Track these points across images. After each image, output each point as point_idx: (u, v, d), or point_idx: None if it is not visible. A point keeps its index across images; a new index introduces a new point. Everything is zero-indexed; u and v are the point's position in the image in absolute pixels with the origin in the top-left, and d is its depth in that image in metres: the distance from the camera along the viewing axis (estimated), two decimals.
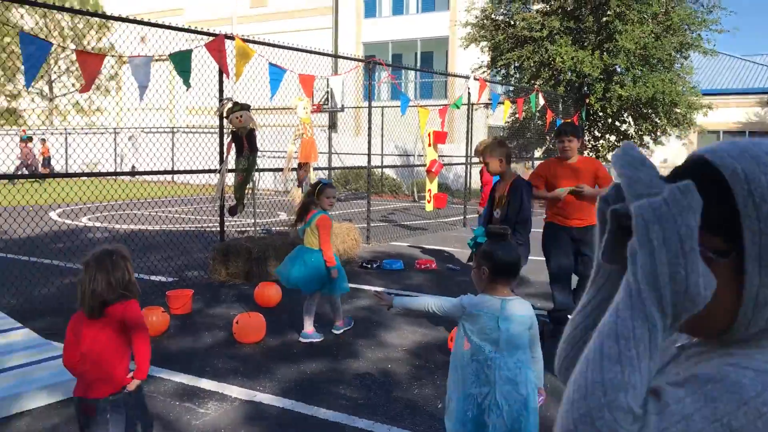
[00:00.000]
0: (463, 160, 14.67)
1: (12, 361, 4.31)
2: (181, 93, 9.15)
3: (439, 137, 10.69)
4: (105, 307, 2.86)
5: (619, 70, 17.50)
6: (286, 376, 4.72)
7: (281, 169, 9.38)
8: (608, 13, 16.97)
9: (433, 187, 10.79)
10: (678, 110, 17.77)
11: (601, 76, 17.01)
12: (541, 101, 14.41)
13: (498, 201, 5.21)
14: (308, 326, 5.61)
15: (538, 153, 18.35)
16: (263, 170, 9.23)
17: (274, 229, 10.86)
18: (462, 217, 13.59)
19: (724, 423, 0.75)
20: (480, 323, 2.82)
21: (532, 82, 17.26)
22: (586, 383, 0.76)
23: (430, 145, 10.67)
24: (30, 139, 25.44)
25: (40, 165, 25.60)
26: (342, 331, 5.82)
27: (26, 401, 4.01)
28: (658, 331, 0.77)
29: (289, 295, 6.96)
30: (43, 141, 25.85)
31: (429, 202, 10.82)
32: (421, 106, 11.18)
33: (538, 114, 15.86)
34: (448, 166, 16.81)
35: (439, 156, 10.95)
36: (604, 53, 16.84)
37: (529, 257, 5.18)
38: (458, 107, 12.07)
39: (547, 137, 17.86)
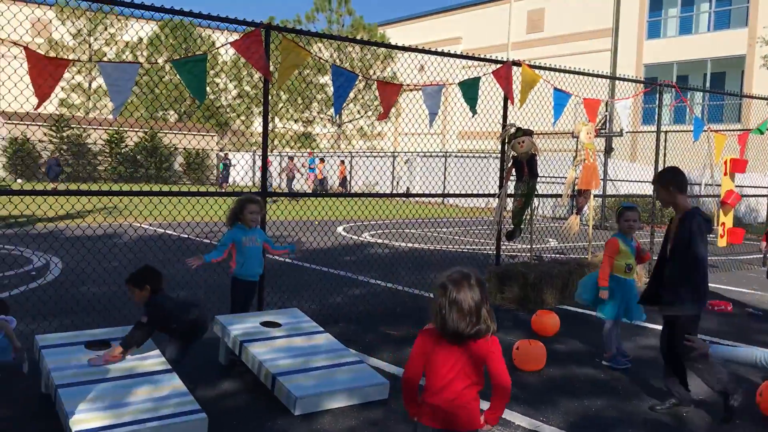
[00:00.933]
0: (762, 191, 13.11)
1: (317, 362, 4.73)
2: (454, 118, 9.45)
3: (738, 165, 9.64)
4: (465, 336, 2.63)
5: None
6: (570, 409, 4.55)
7: (560, 195, 9.19)
8: None
9: (727, 220, 9.75)
10: None
11: None
12: None
13: (668, 237, 4.62)
14: (607, 350, 5.62)
15: None
16: (542, 196, 9.12)
17: (546, 256, 10.65)
18: (762, 256, 12.06)
19: None
20: None
21: None
22: None
23: (726, 174, 9.67)
24: (322, 160, 28.33)
25: (337, 184, 28.40)
26: (609, 365, 5.57)
27: (328, 401, 4.36)
28: None
29: (567, 325, 6.75)
30: (342, 162, 28.58)
31: (722, 236, 9.79)
32: (715, 131, 10.22)
33: None
34: (745, 197, 15.13)
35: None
36: None
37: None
38: (762, 132, 10.80)
39: None
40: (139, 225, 14.00)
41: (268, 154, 6.34)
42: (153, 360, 4.40)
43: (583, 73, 8.69)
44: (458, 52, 7.94)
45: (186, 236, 11.84)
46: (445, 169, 26.00)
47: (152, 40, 39.24)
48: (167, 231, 13.82)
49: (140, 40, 39.35)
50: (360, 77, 7.10)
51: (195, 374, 4.79)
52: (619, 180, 18.84)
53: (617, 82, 9.66)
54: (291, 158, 27.35)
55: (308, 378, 4.49)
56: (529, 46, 34.26)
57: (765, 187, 12.53)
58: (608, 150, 18.64)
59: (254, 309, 6.13)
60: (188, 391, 4.13)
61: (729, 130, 11.68)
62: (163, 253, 10.31)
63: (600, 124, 17.12)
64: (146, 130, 34.07)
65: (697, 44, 27.31)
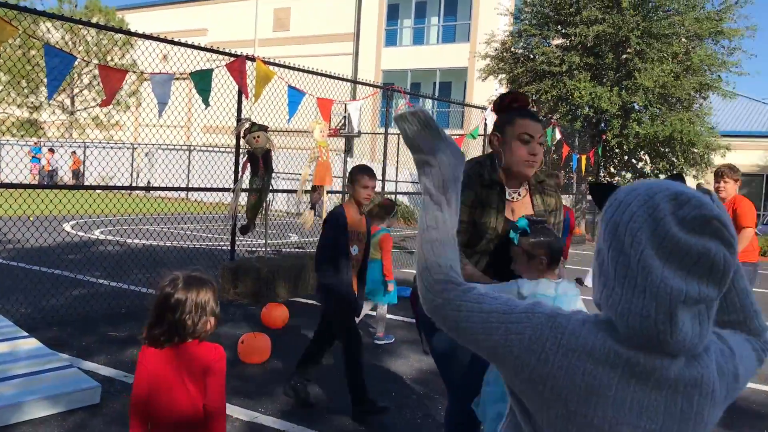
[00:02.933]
0: None
1: (16, 369, 4.29)
2: (199, 112, 9.24)
3: None
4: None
5: (637, 107, 17.50)
6: (288, 399, 4.67)
7: (295, 191, 9.40)
8: (628, 50, 17.03)
9: None
10: (696, 150, 17.70)
11: (619, 113, 17.01)
12: (558, 135, 14.41)
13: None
14: (380, 330, 6.31)
15: None
16: (277, 191, 9.26)
17: (286, 250, 10.85)
18: None
19: None
20: None
21: (549, 116, 17.29)
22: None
23: None
24: (52, 150, 25.77)
25: (71, 176, 25.90)
26: (383, 342, 6.21)
27: (28, 411, 3.98)
28: None
29: (297, 317, 6.93)
30: (74, 153, 26.18)
31: None
32: None
33: (554, 148, 15.86)
34: None
35: None
36: (623, 90, 16.86)
37: None
38: (474, 137, 12.09)
39: (562, 171, 17.83)
40: None
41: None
42: None
43: (314, 73, 8.98)
44: (204, 44, 7.75)
45: None
46: (189, 163, 25.16)
47: None
48: None
49: None
50: (79, 59, 6.59)
51: None
52: None
53: (361, 86, 10.29)
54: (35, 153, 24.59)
55: (4, 387, 4.06)
56: (276, 44, 34.50)
57: None
58: (348, 150, 19.51)
59: None
60: None
61: (452, 135, 12.90)
62: None
63: (340, 125, 17.87)
64: None
65: (428, 54, 29.71)
